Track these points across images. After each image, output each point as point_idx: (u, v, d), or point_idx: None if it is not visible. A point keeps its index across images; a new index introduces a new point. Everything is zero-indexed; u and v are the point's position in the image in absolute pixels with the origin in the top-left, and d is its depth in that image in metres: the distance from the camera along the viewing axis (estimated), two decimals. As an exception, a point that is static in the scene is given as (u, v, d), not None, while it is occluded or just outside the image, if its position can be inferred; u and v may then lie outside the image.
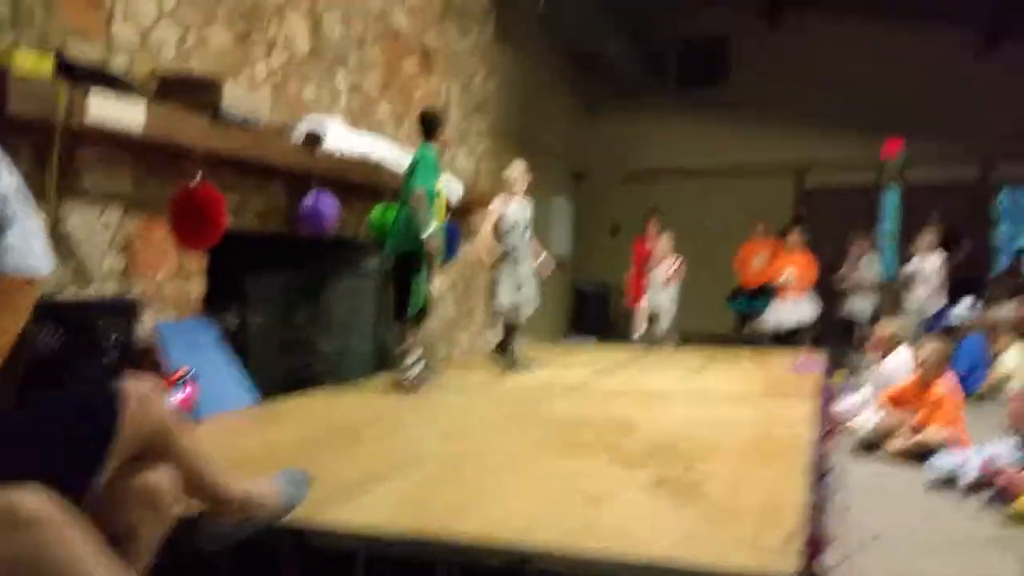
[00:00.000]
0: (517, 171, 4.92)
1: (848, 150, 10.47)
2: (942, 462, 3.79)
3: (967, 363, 5.84)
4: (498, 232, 4.76)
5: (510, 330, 4.77)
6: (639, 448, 2.57)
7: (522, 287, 4.78)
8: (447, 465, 2.40)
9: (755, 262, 8.24)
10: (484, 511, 1.91)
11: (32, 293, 2.29)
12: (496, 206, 4.80)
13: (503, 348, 4.75)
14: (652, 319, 7.76)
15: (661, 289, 6.85)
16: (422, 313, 4.14)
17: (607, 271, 10.92)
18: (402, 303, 4.04)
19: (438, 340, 6.20)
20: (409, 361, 3.92)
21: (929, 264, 7.24)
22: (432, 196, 4.01)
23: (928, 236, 7.22)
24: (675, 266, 6.87)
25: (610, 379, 4.31)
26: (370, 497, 2.03)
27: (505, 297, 4.68)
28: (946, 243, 8.48)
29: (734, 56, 11.18)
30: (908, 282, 7.18)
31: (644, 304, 6.92)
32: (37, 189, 2.93)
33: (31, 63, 2.74)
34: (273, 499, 1.76)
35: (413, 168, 4.05)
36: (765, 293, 7.99)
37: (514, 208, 4.81)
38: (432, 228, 4.01)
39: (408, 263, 3.99)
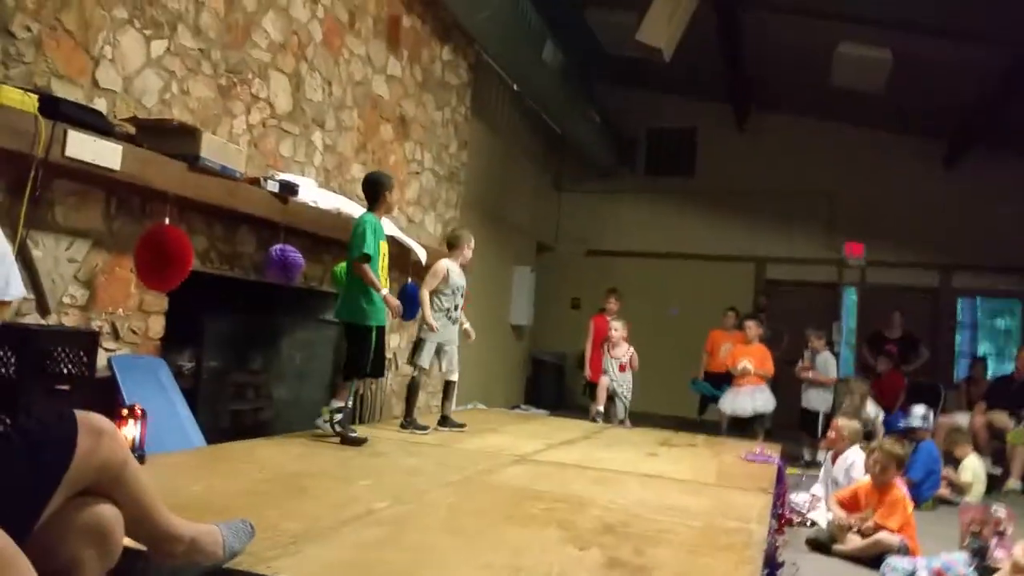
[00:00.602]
0: (468, 241, 4.98)
1: (810, 246, 10.82)
2: (896, 565, 3.85)
3: (922, 470, 5.93)
4: (437, 290, 4.79)
5: (416, 392, 4.81)
6: (590, 526, 2.56)
7: (445, 351, 4.84)
8: (392, 525, 2.38)
9: (722, 350, 8.38)
10: (428, 578, 1.92)
11: (-3, 315, 2.32)
12: (441, 266, 4.85)
13: (409, 411, 4.76)
14: (611, 398, 7.84)
15: (618, 373, 6.92)
16: (370, 372, 4.20)
17: (565, 343, 11.05)
18: (348, 362, 4.12)
19: (393, 398, 6.21)
20: (330, 415, 3.98)
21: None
22: (374, 261, 4.06)
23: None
24: (629, 355, 6.91)
25: (563, 452, 4.33)
26: (312, 553, 2.02)
27: (424, 359, 4.73)
28: (905, 349, 8.75)
29: (702, 148, 11.60)
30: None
31: (604, 381, 6.97)
32: (9, 218, 2.99)
33: (16, 98, 2.83)
34: (216, 546, 1.77)
35: (352, 233, 4.05)
36: (728, 380, 8.10)
37: (456, 272, 4.88)
38: (384, 291, 4.11)
39: (356, 329, 4.07)
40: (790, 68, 9.18)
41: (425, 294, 4.75)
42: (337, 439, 3.91)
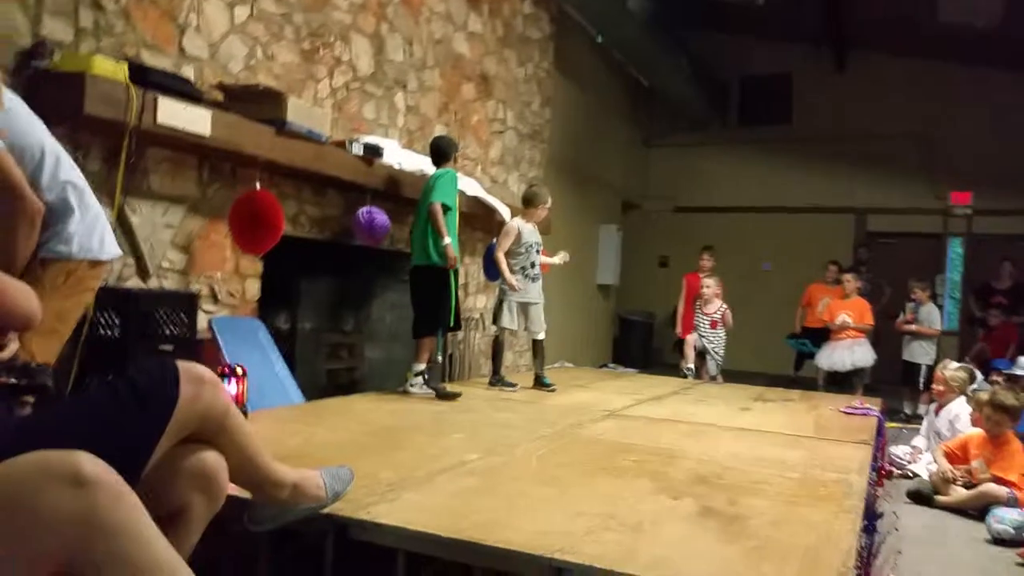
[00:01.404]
0: (545, 201, 4.95)
1: (913, 196, 10.27)
2: (1004, 516, 3.66)
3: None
4: (511, 251, 4.79)
5: (501, 350, 4.82)
6: (683, 478, 2.51)
7: (528, 309, 4.83)
8: (486, 476, 2.40)
9: (820, 304, 8.11)
10: (522, 524, 1.91)
11: (95, 277, 2.42)
12: (512, 226, 4.83)
13: (496, 370, 4.78)
14: (701, 355, 7.71)
15: (709, 330, 6.81)
16: (450, 326, 4.23)
17: (653, 302, 10.90)
18: (421, 318, 4.13)
19: (481, 357, 6.26)
20: (416, 377, 4.01)
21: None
22: (450, 211, 4.14)
23: None
24: (722, 312, 6.78)
25: (654, 407, 4.28)
26: (409, 500, 2.06)
27: (506, 319, 4.73)
28: (1016, 299, 8.28)
29: (797, 95, 11.06)
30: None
31: (692, 338, 6.88)
32: (106, 186, 3.11)
33: (108, 68, 2.92)
34: (318, 490, 1.81)
35: (432, 183, 4.17)
36: (825, 335, 7.87)
37: (528, 230, 4.85)
38: (448, 240, 4.11)
39: (429, 278, 4.08)
40: (893, 3, 8.63)
41: (500, 255, 4.75)
42: (431, 395, 3.96)
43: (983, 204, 9.71)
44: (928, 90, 10.00)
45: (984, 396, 4.44)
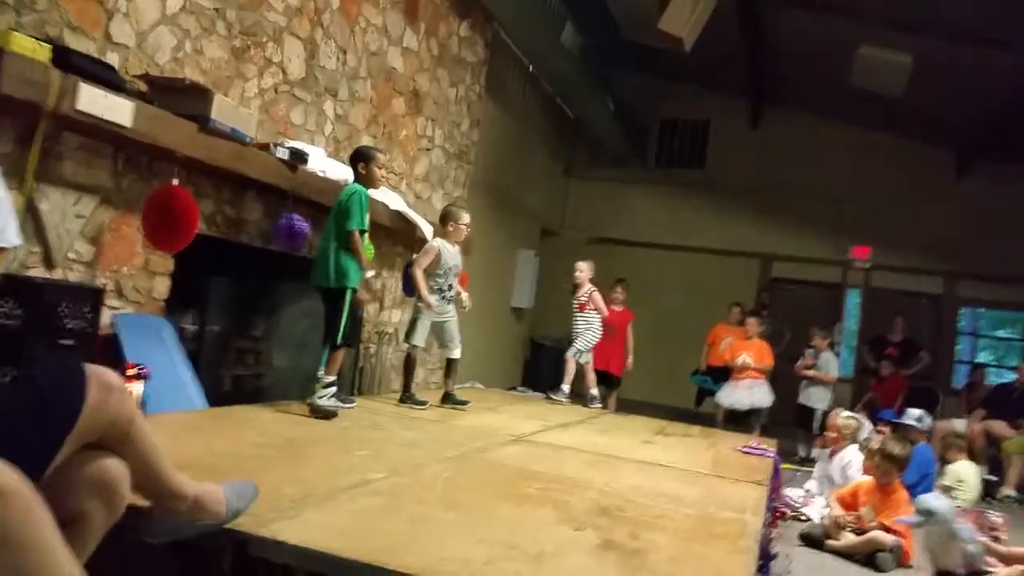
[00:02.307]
0: (468, 219, 4.94)
1: (817, 246, 10.78)
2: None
3: (916, 473, 5.93)
4: (430, 271, 4.75)
5: (412, 367, 4.79)
6: (585, 508, 2.55)
7: (444, 328, 4.83)
8: (390, 496, 2.38)
9: (722, 344, 8.38)
10: (424, 549, 1.90)
11: (-5, 263, 2.31)
12: (433, 247, 4.80)
13: (407, 387, 4.74)
14: (604, 380, 7.85)
15: (576, 313, 6.75)
16: (346, 343, 4.16)
17: (565, 328, 10.99)
18: (340, 330, 3.99)
19: (392, 372, 6.21)
20: (325, 388, 3.90)
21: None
22: (364, 232, 4.03)
23: None
24: (589, 294, 6.62)
25: (560, 435, 4.33)
26: (310, 517, 2.02)
27: (419, 337, 4.71)
28: (905, 352, 8.78)
29: (713, 142, 11.53)
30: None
31: (572, 352, 6.80)
32: (17, 169, 2.97)
33: (27, 47, 2.79)
34: (219, 505, 1.78)
35: (346, 205, 3.94)
36: (727, 374, 8.12)
37: (449, 252, 4.83)
38: (370, 273, 4.09)
39: (340, 296, 3.96)
40: (809, 66, 9.11)
41: (418, 272, 4.71)
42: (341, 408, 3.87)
43: (881, 260, 10.29)
44: (836, 149, 10.57)
45: (875, 445, 4.69)
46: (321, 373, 3.91)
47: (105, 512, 1.49)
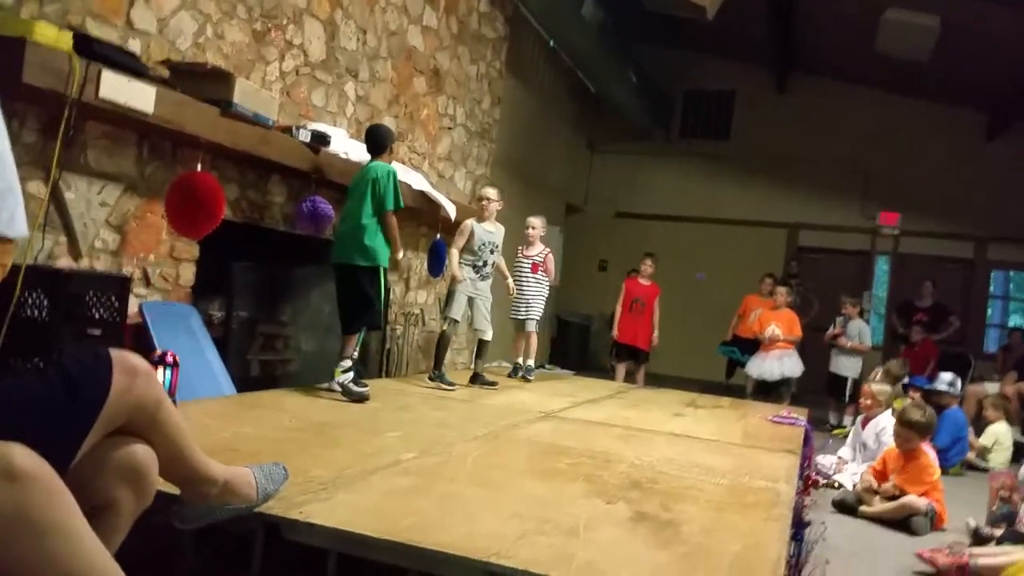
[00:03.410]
0: (491, 194, 4.97)
1: (844, 214, 10.64)
2: None
3: (948, 437, 5.90)
4: (467, 250, 4.82)
5: (445, 346, 4.78)
6: (616, 482, 2.55)
7: (476, 305, 4.85)
8: (421, 476, 2.38)
9: (752, 315, 8.30)
10: (456, 526, 1.90)
11: (4, 253, 2.31)
12: (467, 225, 4.85)
13: (437, 364, 4.71)
14: (632, 355, 7.84)
15: (529, 274, 5.75)
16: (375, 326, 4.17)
17: (591, 304, 11.01)
18: (369, 311, 3.96)
19: (420, 353, 6.23)
20: (346, 372, 3.87)
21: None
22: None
23: None
24: (545, 255, 5.76)
25: (589, 410, 4.32)
26: (342, 499, 2.03)
27: (456, 310, 4.73)
28: (935, 318, 8.66)
29: (739, 111, 11.36)
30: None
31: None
32: (41, 158, 2.99)
33: (50, 36, 2.80)
34: (249, 488, 1.77)
35: (383, 185, 3.91)
36: (755, 345, 8.06)
37: (482, 229, 4.86)
38: (401, 253, 4.08)
39: (360, 277, 3.91)
40: (835, 32, 8.91)
41: (453, 252, 4.83)
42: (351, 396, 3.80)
43: (909, 226, 10.12)
44: (863, 115, 10.36)
45: (898, 411, 4.64)
46: (346, 363, 3.86)
47: (134, 498, 1.49)
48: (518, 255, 5.73)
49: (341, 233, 4.03)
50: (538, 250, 5.73)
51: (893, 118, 10.25)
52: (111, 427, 1.41)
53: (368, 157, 4.19)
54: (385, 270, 3.98)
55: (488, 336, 4.96)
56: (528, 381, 5.49)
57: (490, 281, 4.95)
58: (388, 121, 5.67)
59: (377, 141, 4.11)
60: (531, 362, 5.69)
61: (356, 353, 3.91)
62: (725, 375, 8.93)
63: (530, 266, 5.67)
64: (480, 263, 4.86)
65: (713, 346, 9.01)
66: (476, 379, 4.87)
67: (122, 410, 1.41)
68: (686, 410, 4.77)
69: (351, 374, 3.84)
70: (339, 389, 3.79)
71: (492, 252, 4.92)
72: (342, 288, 3.99)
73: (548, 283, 5.81)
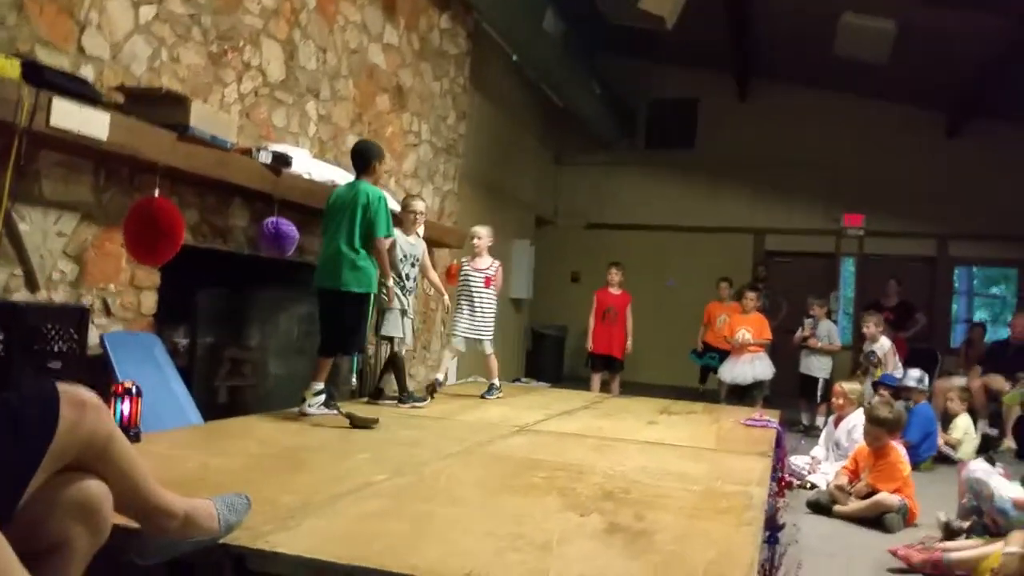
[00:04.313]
0: (414, 207, 4.78)
1: (809, 217, 10.79)
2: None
3: (919, 432, 5.98)
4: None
5: (402, 365, 4.62)
6: (590, 493, 2.54)
7: (404, 321, 4.65)
8: (392, 498, 2.35)
9: (718, 321, 8.40)
10: (428, 547, 1.87)
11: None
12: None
13: (402, 387, 4.55)
14: (607, 363, 7.85)
15: (482, 289, 5.32)
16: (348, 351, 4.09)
17: (565, 316, 11.02)
18: (330, 340, 3.90)
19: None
20: (316, 397, 3.82)
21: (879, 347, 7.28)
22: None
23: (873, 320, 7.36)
24: (496, 268, 5.37)
25: (563, 422, 4.30)
26: (310, 526, 1.99)
27: (395, 327, 4.55)
28: (901, 316, 8.79)
29: (703, 119, 11.49)
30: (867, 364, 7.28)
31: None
32: (-8, 190, 2.92)
33: (-3, 64, 2.75)
34: (211, 520, 1.73)
35: (374, 210, 3.85)
36: (727, 351, 8.13)
37: (404, 240, 4.66)
38: (391, 281, 4.03)
39: (345, 303, 3.85)
40: (793, 38, 9.05)
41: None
42: (333, 414, 3.76)
43: (874, 226, 10.28)
44: (825, 118, 10.53)
45: (865, 407, 4.70)
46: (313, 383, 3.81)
47: (89, 536, 1.44)
48: (465, 267, 5.32)
49: (326, 256, 3.94)
50: (488, 262, 5.34)
51: (854, 120, 10.42)
52: (61, 463, 1.37)
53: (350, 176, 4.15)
54: (373, 296, 3.92)
55: (400, 351, 4.74)
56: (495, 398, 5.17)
57: (413, 296, 4.78)
58: (352, 139, 5.63)
59: (363, 157, 4.05)
60: (496, 380, 5.31)
61: (322, 378, 3.86)
62: (699, 380, 8.99)
63: (483, 280, 5.28)
64: (405, 275, 4.63)
65: (687, 352, 9.08)
66: (379, 395, 4.69)
67: (72, 445, 1.37)
68: (660, 417, 4.76)
69: (322, 397, 3.79)
70: (314, 414, 3.72)
71: (413, 266, 4.73)
72: (327, 312, 3.93)
73: (496, 298, 5.43)
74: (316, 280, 3.95)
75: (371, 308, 3.92)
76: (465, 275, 5.28)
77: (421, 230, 4.94)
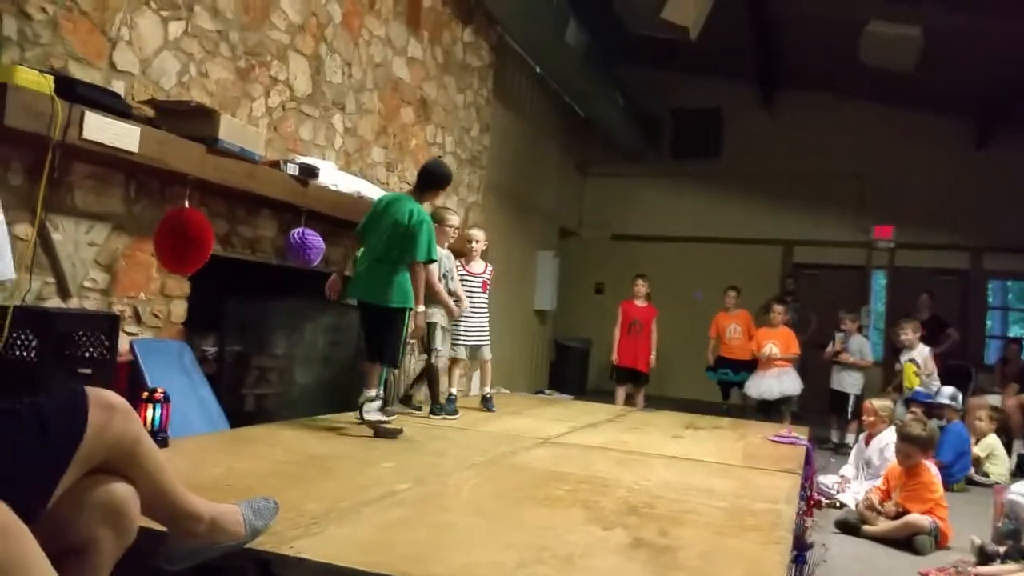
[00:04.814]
0: (450, 221, 4.70)
1: (838, 229, 10.64)
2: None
3: (952, 452, 5.86)
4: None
5: (436, 376, 4.62)
6: (614, 507, 2.51)
7: (442, 334, 4.64)
8: (415, 507, 2.36)
9: (728, 331, 8.20)
10: (450, 557, 1.88)
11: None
12: (440, 252, 4.45)
13: (435, 398, 4.56)
14: (632, 377, 7.79)
15: (479, 293, 5.17)
16: (394, 364, 4.08)
17: (589, 328, 10.98)
18: (393, 348, 3.86)
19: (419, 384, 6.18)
20: (371, 403, 3.82)
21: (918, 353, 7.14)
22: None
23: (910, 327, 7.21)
24: (491, 272, 5.26)
25: (587, 435, 4.28)
26: (334, 533, 2.00)
27: (437, 340, 4.56)
28: (933, 331, 8.62)
29: (727, 129, 11.41)
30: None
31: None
32: (28, 202, 2.99)
33: (32, 79, 2.81)
34: (237, 525, 1.74)
35: (415, 233, 3.76)
36: (746, 364, 7.99)
37: (445, 255, 4.62)
38: (422, 308, 3.94)
39: (400, 317, 3.81)
40: (818, 47, 8.99)
41: (438, 283, 4.52)
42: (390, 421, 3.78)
43: (905, 238, 10.12)
44: (852, 128, 10.41)
45: (898, 425, 4.60)
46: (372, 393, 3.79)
47: (115, 538, 1.46)
48: (460, 270, 5.06)
49: (366, 268, 3.86)
50: (483, 266, 5.19)
51: (882, 130, 10.30)
52: (89, 466, 1.39)
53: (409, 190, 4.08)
54: (411, 311, 3.85)
55: (431, 360, 4.76)
56: (491, 411, 4.99)
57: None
58: (377, 152, 5.70)
59: (429, 180, 3.95)
60: (488, 389, 5.19)
61: (374, 385, 3.84)
62: (722, 396, 8.77)
63: (480, 284, 5.12)
64: (446, 290, 4.62)
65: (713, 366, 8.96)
66: (409, 401, 4.76)
67: (100, 448, 1.39)
68: (685, 432, 4.72)
69: (378, 403, 3.77)
70: (373, 420, 3.69)
71: (451, 279, 4.73)
72: (364, 322, 3.91)
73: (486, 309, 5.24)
74: (351, 291, 3.90)
75: (406, 323, 3.83)
76: (462, 279, 5.07)
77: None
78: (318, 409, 4.50)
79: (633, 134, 10.93)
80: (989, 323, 10.84)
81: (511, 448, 3.58)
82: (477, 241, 5.18)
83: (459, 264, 5.10)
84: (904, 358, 7.15)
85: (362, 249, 3.99)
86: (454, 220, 4.73)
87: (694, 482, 3.07)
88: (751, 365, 7.92)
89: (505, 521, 2.29)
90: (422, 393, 4.83)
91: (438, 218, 4.62)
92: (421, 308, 3.90)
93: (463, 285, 5.01)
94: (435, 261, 3.91)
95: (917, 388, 6.80)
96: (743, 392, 7.99)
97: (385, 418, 3.78)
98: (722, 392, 8.65)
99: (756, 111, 11.03)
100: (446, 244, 4.69)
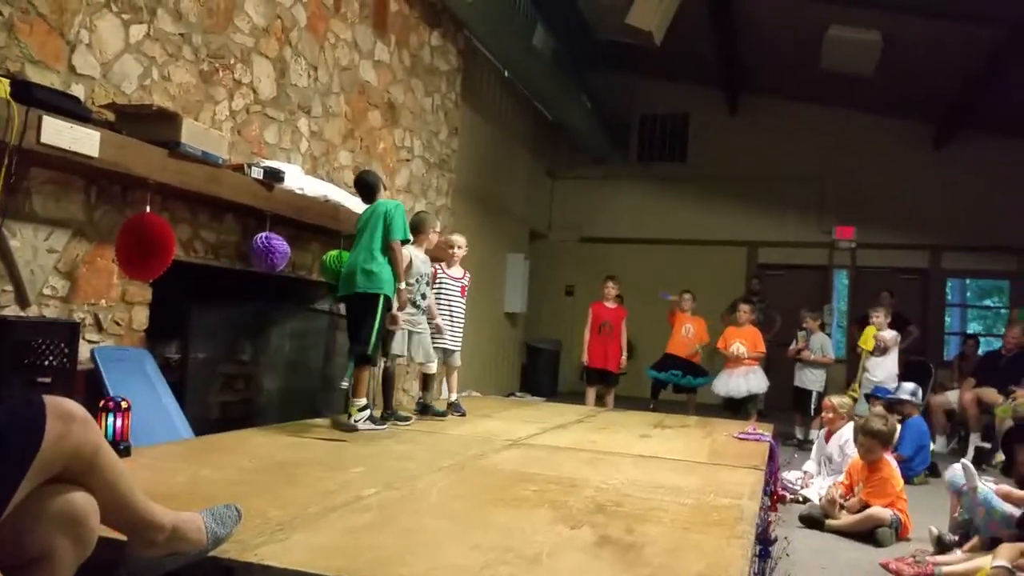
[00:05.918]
0: (433, 225, 4.74)
1: (801, 229, 10.83)
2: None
3: (912, 446, 5.97)
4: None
5: (391, 383, 4.56)
6: (581, 506, 2.53)
7: (415, 339, 4.57)
8: (382, 511, 2.34)
9: (682, 331, 8.05)
10: (417, 560, 1.87)
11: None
12: (405, 254, 4.34)
13: (387, 404, 4.49)
14: (601, 378, 7.82)
15: (458, 298, 5.15)
16: (370, 360, 4.07)
17: (560, 330, 11.03)
18: (375, 341, 3.95)
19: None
20: (360, 412, 3.85)
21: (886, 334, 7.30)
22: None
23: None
24: (469, 279, 5.27)
25: (557, 436, 4.30)
26: (299, 539, 1.98)
27: (396, 345, 4.46)
28: (894, 328, 8.75)
29: (693, 133, 11.57)
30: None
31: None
32: (-17, 208, 2.93)
33: (-13, 83, 2.76)
34: (199, 533, 1.73)
35: (391, 216, 4.09)
36: (692, 368, 7.88)
37: (420, 259, 4.61)
38: (403, 283, 4.14)
39: (373, 302, 3.95)
40: (781, 52, 9.14)
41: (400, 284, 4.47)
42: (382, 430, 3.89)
43: (865, 238, 10.32)
44: (814, 131, 10.60)
45: (859, 422, 4.69)
46: (345, 384, 3.97)
47: (73, 548, 1.44)
48: (440, 274, 5.05)
49: (347, 268, 4.13)
50: (461, 272, 5.20)
51: (843, 133, 10.49)
52: (47, 475, 1.37)
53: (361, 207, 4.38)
54: (387, 299, 4.03)
55: (433, 369, 4.77)
56: (463, 415, 4.93)
57: (426, 315, 4.70)
58: (344, 155, 5.67)
59: (369, 188, 4.32)
60: (455, 395, 5.11)
61: (363, 393, 3.93)
62: (651, 394, 8.19)
63: (458, 289, 5.13)
64: (419, 295, 4.58)
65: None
66: (426, 410, 4.75)
67: (58, 457, 1.37)
68: (653, 431, 4.76)
69: (367, 412, 3.89)
70: (363, 429, 3.81)
71: (427, 284, 4.70)
72: (349, 316, 4.13)
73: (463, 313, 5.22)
74: (339, 291, 4.16)
75: (379, 312, 3.97)
76: (442, 284, 5.06)
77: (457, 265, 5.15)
78: (286, 415, 4.47)
79: (601, 138, 11.02)
80: (948, 320, 11.08)
81: (481, 451, 3.58)
82: (459, 247, 5.17)
83: (438, 268, 5.08)
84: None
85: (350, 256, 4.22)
86: (439, 226, 4.91)
87: (661, 480, 3.10)
88: (698, 369, 7.93)
89: (472, 523, 2.29)
90: (431, 396, 4.90)
91: (420, 224, 4.69)
92: (403, 285, 4.13)
93: (443, 290, 5.04)
94: (409, 241, 4.18)
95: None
96: (713, 389, 7.89)
97: (376, 427, 3.87)
98: (652, 390, 8.18)
99: (721, 115, 11.19)
100: (424, 247, 4.73)
